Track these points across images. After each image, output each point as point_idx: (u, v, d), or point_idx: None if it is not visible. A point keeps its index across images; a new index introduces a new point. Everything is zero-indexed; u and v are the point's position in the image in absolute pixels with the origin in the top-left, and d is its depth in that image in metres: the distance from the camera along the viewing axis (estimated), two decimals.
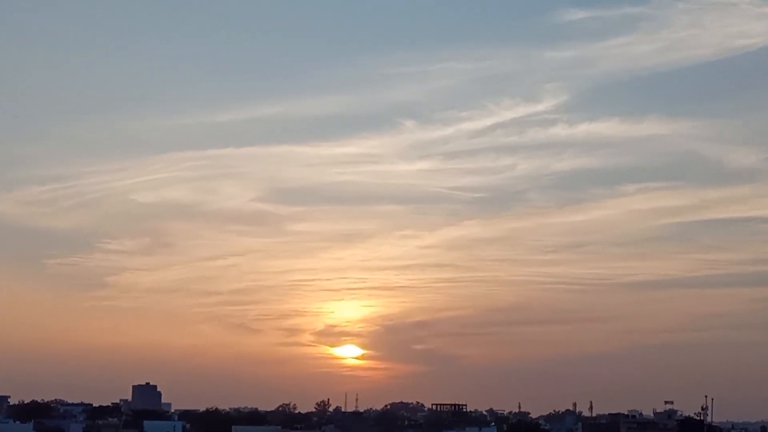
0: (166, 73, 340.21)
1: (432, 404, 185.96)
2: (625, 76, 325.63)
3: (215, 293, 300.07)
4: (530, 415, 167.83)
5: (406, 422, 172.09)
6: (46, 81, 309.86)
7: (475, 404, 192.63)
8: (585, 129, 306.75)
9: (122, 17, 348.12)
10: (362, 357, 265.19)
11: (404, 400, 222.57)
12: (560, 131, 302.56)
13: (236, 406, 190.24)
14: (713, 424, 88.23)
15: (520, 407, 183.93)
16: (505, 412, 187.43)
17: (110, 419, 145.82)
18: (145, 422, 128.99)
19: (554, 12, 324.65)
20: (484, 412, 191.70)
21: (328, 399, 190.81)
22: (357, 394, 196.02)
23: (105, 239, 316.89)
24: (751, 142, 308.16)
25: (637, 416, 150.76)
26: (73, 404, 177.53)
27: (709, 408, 78.50)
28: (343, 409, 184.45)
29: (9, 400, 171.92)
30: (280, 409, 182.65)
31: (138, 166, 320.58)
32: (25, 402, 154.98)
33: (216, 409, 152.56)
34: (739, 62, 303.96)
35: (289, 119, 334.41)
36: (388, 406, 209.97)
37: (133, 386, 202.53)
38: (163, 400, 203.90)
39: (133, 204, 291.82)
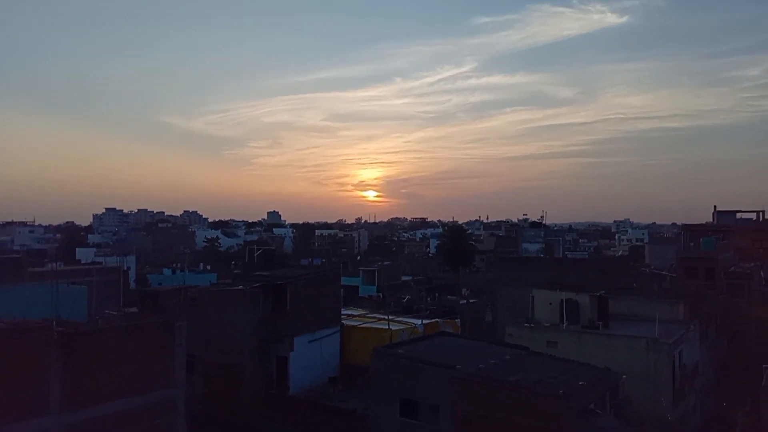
0: None
1: (411, 218, 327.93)
2: None
3: (305, 166, 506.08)
4: (458, 222, 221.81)
5: (399, 227, 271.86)
6: None
7: (432, 218, 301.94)
8: None
9: None
10: (377, 196, 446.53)
11: (397, 216, 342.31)
12: None
13: (317, 221, 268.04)
14: (546, 224, 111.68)
15: (453, 218, 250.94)
16: (446, 221, 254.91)
17: (257, 228, 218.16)
18: (274, 229, 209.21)
19: None
20: (436, 222, 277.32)
21: (361, 216, 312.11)
22: (375, 214, 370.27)
23: None
24: None
25: (509, 221, 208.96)
26: (239, 220, 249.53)
27: (544, 217, 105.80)
28: (368, 221, 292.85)
29: (208, 219, 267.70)
30: (338, 221, 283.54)
31: None
32: (216, 220, 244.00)
33: (307, 222, 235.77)
34: None
35: None
36: (390, 219, 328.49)
37: (267, 212, 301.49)
38: (282, 218, 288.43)
39: None
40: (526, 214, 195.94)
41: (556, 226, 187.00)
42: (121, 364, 18.36)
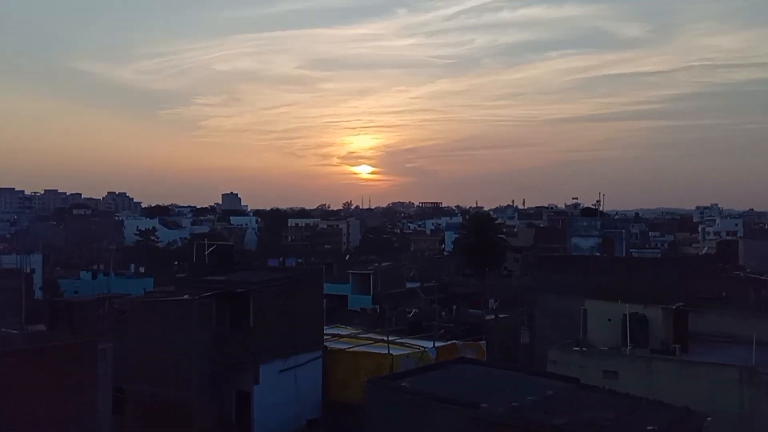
0: None
1: (419, 202, 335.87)
2: None
3: (273, 131, 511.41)
4: (484, 208, 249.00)
5: (402, 215, 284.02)
6: None
7: (447, 202, 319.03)
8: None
9: None
10: (372, 173, 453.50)
11: (400, 200, 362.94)
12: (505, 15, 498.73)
13: (291, 206, 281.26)
14: (604, 211, 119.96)
15: (477, 203, 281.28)
16: (466, 207, 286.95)
17: (208, 216, 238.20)
18: (231, 217, 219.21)
19: None
20: (453, 207, 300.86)
21: (351, 200, 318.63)
22: (369, 197, 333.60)
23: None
24: None
25: (554, 207, 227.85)
26: (183, 206, 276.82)
27: (602, 201, 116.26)
28: (360, 207, 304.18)
29: (141, 204, 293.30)
30: (320, 207, 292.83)
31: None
32: (152, 205, 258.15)
33: (277, 208, 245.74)
34: None
35: None
36: (390, 204, 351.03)
37: (222, 194, 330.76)
38: (242, 203, 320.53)
39: None
40: (576, 198, 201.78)
41: (617, 214, 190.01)
42: (24, 400, 18.51)
